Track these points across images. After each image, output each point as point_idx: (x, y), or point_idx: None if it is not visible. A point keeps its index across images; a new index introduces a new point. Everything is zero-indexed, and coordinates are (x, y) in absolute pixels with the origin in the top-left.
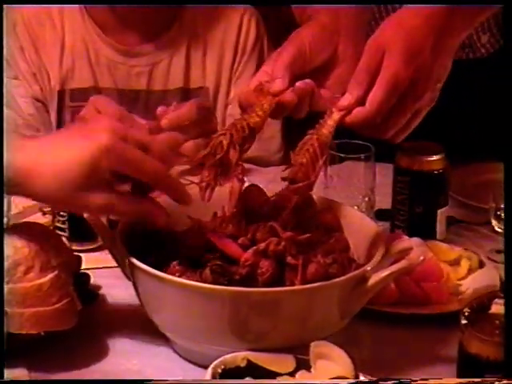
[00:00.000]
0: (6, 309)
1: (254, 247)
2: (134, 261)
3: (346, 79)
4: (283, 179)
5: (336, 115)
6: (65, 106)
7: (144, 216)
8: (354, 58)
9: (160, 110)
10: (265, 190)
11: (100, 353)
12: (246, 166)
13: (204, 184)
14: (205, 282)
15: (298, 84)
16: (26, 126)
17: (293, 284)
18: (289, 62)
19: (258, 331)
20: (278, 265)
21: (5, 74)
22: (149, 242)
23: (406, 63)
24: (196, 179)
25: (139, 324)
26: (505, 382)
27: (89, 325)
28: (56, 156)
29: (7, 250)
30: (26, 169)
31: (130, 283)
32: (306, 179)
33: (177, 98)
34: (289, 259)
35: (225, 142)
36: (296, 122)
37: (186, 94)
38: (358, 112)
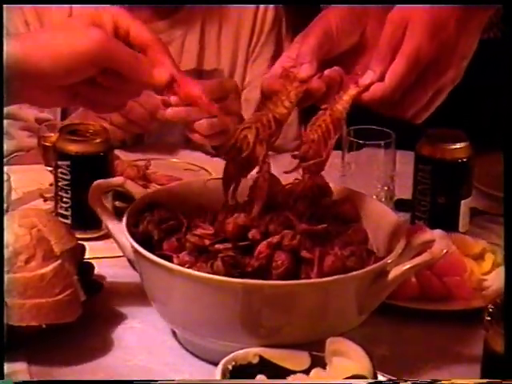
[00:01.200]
0: (6, 300)
1: (268, 240)
2: (141, 250)
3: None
4: (293, 157)
5: (352, 90)
6: None
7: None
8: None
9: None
10: (280, 178)
11: (104, 347)
12: None
13: (227, 178)
14: (216, 273)
15: (326, 72)
16: (29, 106)
17: (309, 277)
18: (316, 45)
19: (272, 326)
20: (294, 257)
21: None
22: (156, 230)
23: (430, 37)
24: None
25: (145, 317)
26: None
27: (92, 317)
28: (55, 39)
29: (8, 238)
30: (26, 52)
31: (135, 274)
32: (318, 156)
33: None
34: (304, 253)
35: (250, 138)
36: (314, 109)
37: (199, 75)
38: (376, 88)
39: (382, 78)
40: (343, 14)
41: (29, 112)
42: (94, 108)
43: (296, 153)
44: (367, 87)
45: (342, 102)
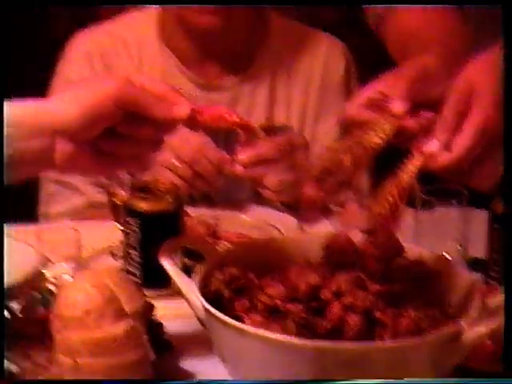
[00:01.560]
0: (77, 359)
1: (341, 300)
2: (212, 310)
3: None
4: (362, 231)
5: (418, 160)
6: None
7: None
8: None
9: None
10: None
11: None
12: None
13: (311, 200)
14: (288, 334)
15: (424, 114)
16: None
17: (382, 339)
18: (409, 85)
19: None
20: (366, 319)
21: None
22: (227, 290)
23: (497, 106)
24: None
25: (216, 376)
26: None
27: (162, 377)
28: (79, 92)
29: (79, 297)
30: (53, 111)
31: (203, 331)
32: (386, 230)
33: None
34: (378, 314)
35: (347, 162)
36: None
37: (268, 131)
38: (443, 158)
39: (447, 147)
40: (437, 63)
41: None
42: (120, 164)
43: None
44: (432, 156)
45: (408, 172)
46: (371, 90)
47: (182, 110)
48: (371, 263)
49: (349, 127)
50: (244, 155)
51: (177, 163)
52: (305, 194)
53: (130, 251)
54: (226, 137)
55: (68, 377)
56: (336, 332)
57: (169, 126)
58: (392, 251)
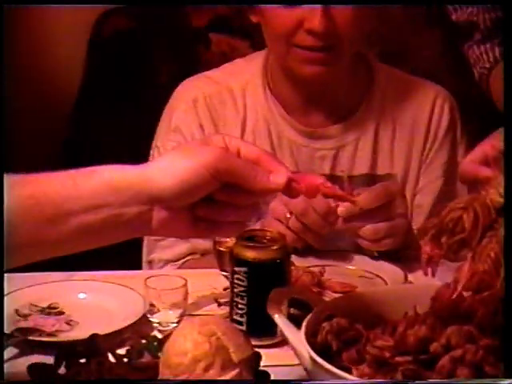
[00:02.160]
0: None
1: (451, 354)
2: (320, 361)
3: None
4: (466, 290)
5: None
6: None
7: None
8: None
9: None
10: None
11: None
12: None
13: (428, 257)
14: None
15: None
16: None
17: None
18: None
19: None
20: (477, 372)
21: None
22: (335, 341)
23: None
24: None
25: None
26: None
27: None
28: (175, 161)
29: (187, 345)
30: (149, 177)
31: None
32: (491, 287)
33: (362, 185)
34: (487, 368)
35: (467, 220)
36: None
37: (372, 180)
38: None
39: None
40: None
41: None
42: (217, 230)
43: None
44: None
45: None
46: (488, 146)
47: (279, 178)
48: (481, 316)
49: (467, 183)
50: (344, 208)
51: (288, 215)
52: (422, 251)
53: (237, 300)
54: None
55: None
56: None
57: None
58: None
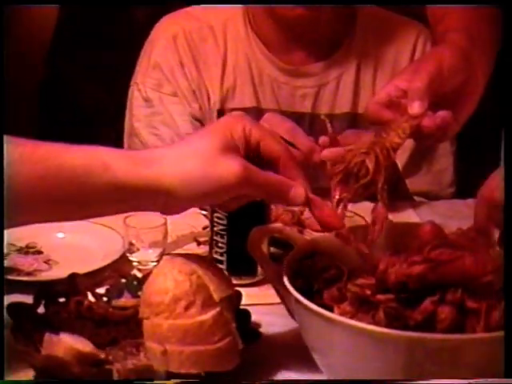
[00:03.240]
0: (166, 346)
1: (432, 298)
2: (301, 299)
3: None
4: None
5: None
6: None
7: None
8: (479, 95)
9: (322, 140)
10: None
11: None
12: (416, 199)
13: (337, 200)
14: (378, 324)
15: (440, 113)
16: None
17: (474, 331)
18: (428, 82)
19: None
20: (459, 311)
21: (162, 90)
22: (316, 279)
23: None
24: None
25: (303, 367)
26: None
27: (250, 366)
28: (194, 171)
29: (167, 284)
30: (171, 175)
31: (292, 322)
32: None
33: (343, 124)
34: (470, 304)
35: (370, 165)
36: (468, 156)
37: (353, 119)
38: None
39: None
40: (454, 55)
41: None
42: None
43: None
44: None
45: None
46: (392, 87)
47: (298, 197)
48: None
49: (372, 124)
50: (328, 152)
51: None
52: (332, 194)
53: (217, 239)
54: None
55: (157, 363)
56: (427, 324)
57: None
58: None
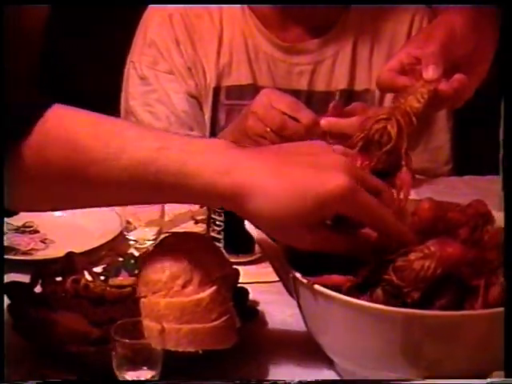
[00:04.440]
0: (164, 324)
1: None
2: (300, 277)
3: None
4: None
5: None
6: (220, 104)
7: (353, 251)
8: (489, 62)
9: (325, 120)
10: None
11: (259, 375)
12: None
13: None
14: (376, 302)
15: (456, 76)
16: (179, 123)
17: (473, 308)
18: (441, 47)
19: (433, 358)
20: (458, 288)
21: (158, 68)
22: (315, 258)
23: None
24: None
25: (301, 344)
26: None
27: (248, 344)
28: (283, 185)
29: (165, 261)
30: (243, 188)
31: (289, 299)
32: None
33: (340, 101)
34: (469, 281)
35: (392, 130)
36: (467, 133)
37: (350, 96)
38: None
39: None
40: (465, 19)
41: (177, 129)
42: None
43: None
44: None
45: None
46: (403, 54)
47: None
48: (462, 231)
49: (385, 92)
50: (326, 121)
51: (268, 129)
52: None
53: (214, 217)
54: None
55: (155, 342)
56: (427, 302)
57: None
58: (482, 219)
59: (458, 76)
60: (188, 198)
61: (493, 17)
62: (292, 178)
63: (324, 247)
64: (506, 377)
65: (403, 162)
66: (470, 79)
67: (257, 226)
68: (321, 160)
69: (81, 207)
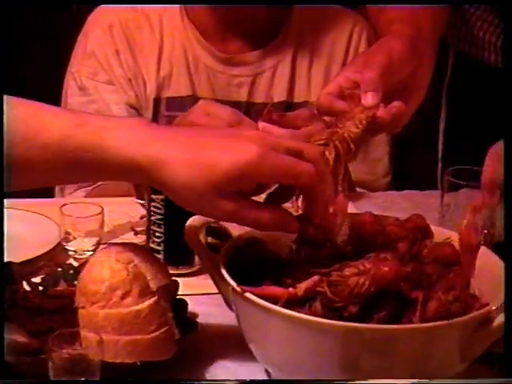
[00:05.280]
0: (102, 335)
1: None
2: (238, 289)
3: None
4: None
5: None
6: (160, 115)
7: (274, 228)
8: (427, 85)
9: (261, 126)
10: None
11: None
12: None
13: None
14: (314, 315)
15: (394, 104)
16: None
17: (411, 322)
18: (380, 73)
19: (371, 370)
20: (397, 301)
21: (98, 79)
22: (253, 269)
23: None
24: None
25: (239, 356)
26: None
27: (186, 356)
28: (197, 154)
29: (104, 273)
30: (158, 158)
31: (228, 311)
32: None
33: (280, 112)
34: (408, 293)
35: (330, 156)
36: (404, 146)
37: (289, 108)
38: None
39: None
40: (404, 44)
41: None
42: None
43: None
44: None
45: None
46: (342, 78)
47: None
48: (400, 245)
49: (324, 115)
50: (262, 126)
51: None
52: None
53: (154, 228)
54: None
55: (93, 353)
56: (364, 314)
57: None
58: (421, 233)
59: (396, 103)
60: (107, 173)
61: (430, 43)
62: (205, 147)
63: (241, 220)
64: (505, 377)
65: (340, 188)
66: (407, 105)
67: (173, 197)
68: (234, 133)
69: (13, 189)
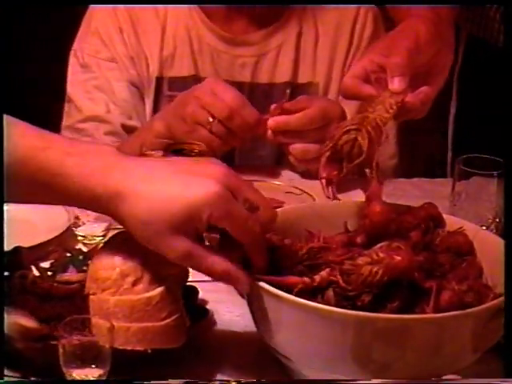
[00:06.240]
0: (113, 322)
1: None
2: (249, 275)
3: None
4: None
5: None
6: (162, 95)
7: (225, 279)
8: (449, 68)
9: (274, 107)
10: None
11: (208, 374)
12: None
13: (326, 180)
14: (327, 304)
15: (422, 89)
16: (118, 111)
17: (424, 312)
18: (407, 57)
19: (383, 361)
20: (410, 291)
21: (100, 56)
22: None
23: None
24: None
25: (250, 344)
26: None
27: (197, 343)
28: (156, 189)
29: (115, 259)
30: (117, 191)
31: (239, 299)
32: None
33: (283, 93)
34: (421, 282)
35: (363, 142)
36: (411, 128)
37: (293, 88)
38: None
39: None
40: (429, 28)
41: (116, 117)
42: None
43: None
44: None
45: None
46: (367, 61)
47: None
48: (413, 234)
49: (350, 99)
50: (274, 122)
51: (210, 119)
52: (320, 175)
53: None
54: (263, 95)
55: (103, 339)
56: (378, 304)
57: None
58: (433, 222)
59: (424, 88)
60: (65, 199)
61: (450, 26)
62: (164, 182)
63: (194, 264)
64: (506, 377)
65: (373, 173)
66: (430, 86)
67: (131, 232)
68: (197, 168)
69: None
